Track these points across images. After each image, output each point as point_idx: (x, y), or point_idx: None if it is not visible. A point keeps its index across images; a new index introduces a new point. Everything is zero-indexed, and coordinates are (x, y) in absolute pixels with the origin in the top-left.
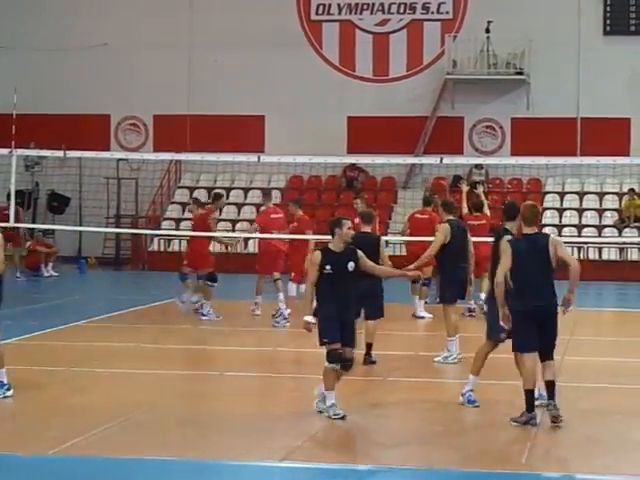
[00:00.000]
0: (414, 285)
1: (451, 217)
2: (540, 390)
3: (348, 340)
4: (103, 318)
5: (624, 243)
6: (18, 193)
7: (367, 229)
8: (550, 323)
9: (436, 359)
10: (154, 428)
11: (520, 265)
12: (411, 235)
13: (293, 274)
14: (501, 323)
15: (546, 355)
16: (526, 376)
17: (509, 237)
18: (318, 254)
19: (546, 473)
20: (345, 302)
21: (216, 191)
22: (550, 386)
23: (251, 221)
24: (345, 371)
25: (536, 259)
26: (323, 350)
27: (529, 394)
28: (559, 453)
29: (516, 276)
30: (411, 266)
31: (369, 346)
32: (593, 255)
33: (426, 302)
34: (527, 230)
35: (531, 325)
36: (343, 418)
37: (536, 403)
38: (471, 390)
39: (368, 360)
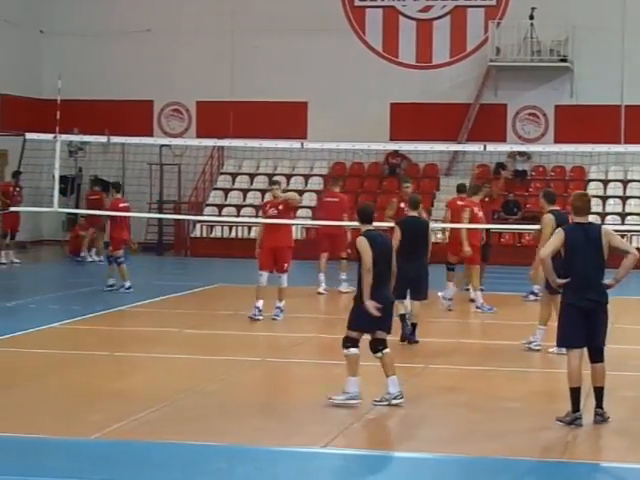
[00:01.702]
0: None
1: (553, 207)
2: None
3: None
4: (146, 303)
5: None
6: (62, 178)
7: (414, 214)
8: (601, 317)
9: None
10: (195, 413)
11: (574, 255)
12: (451, 221)
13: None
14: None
15: (596, 354)
16: (570, 373)
17: None
18: None
19: (588, 462)
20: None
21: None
22: (599, 393)
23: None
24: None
25: (590, 250)
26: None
27: (574, 392)
28: (602, 443)
29: (570, 267)
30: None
31: (414, 326)
32: (637, 243)
33: (482, 289)
34: (579, 219)
35: (580, 319)
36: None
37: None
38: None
39: (412, 340)
